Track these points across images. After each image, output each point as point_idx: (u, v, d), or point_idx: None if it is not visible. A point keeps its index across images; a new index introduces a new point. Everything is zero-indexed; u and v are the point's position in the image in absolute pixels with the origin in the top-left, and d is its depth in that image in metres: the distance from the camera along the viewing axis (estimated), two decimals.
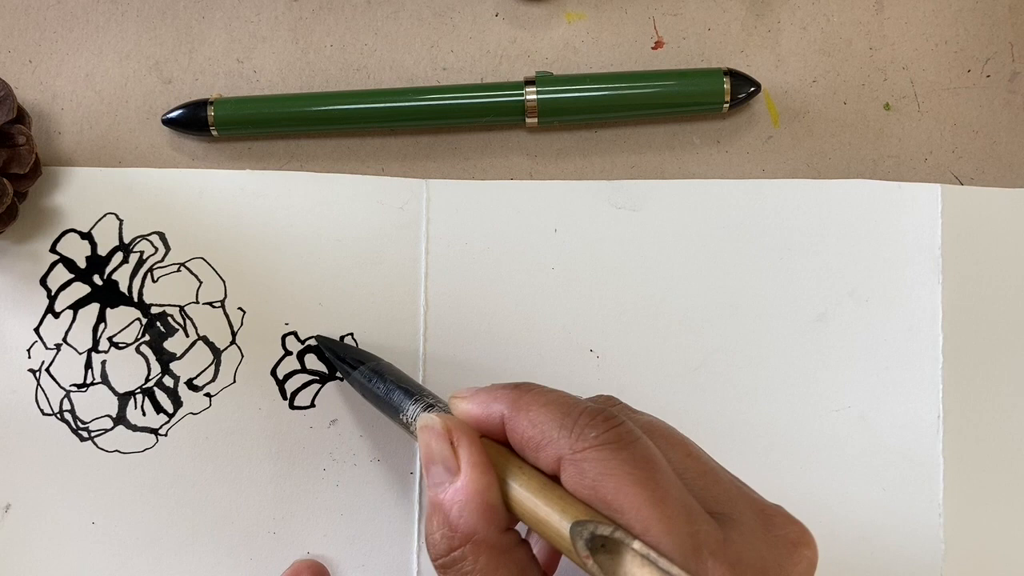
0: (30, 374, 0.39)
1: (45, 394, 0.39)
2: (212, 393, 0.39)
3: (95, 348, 0.39)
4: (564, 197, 0.40)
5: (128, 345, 0.39)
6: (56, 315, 0.39)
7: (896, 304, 0.40)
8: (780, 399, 0.40)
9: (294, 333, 0.39)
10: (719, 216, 0.40)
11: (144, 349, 0.39)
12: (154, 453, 0.39)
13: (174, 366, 0.39)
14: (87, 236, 0.40)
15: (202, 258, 0.40)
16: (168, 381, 0.39)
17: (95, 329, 0.39)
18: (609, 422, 0.25)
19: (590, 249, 0.40)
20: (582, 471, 0.24)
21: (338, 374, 0.39)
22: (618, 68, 0.41)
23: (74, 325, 0.39)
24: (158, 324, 0.39)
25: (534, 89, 0.39)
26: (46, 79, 0.41)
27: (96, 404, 0.39)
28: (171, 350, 0.39)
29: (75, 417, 0.39)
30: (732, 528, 0.24)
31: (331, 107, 0.40)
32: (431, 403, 0.31)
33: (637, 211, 0.40)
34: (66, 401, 0.39)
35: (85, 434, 0.39)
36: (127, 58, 0.41)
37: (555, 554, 0.31)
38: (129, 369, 0.39)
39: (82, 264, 0.39)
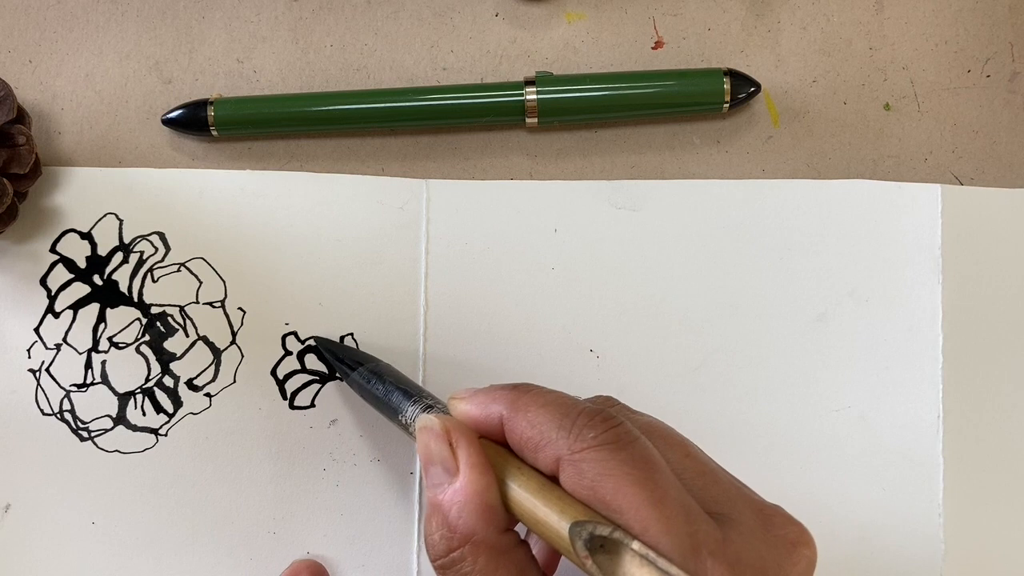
0: (30, 374, 0.39)
1: (45, 394, 0.39)
2: (212, 393, 0.39)
3: (95, 348, 0.39)
4: (564, 197, 0.40)
5: (128, 345, 0.39)
6: (56, 315, 0.39)
7: (896, 304, 0.40)
8: (780, 399, 0.40)
9: (294, 333, 0.39)
10: (719, 216, 0.40)
11: (144, 349, 0.39)
12: (154, 453, 0.39)
13: (174, 366, 0.39)
14: (87, 236, 0.40)
15: (202, 258, 0.40)
16: (168, 381, 0.39)
17: (95, 329, 0.39)
18: (608, 423, 0.25)
19: (590, 249, 0.40)
20: (581, 471, 0.24)
21: (338, 374, 0.39)
22: (618, 68, 0.41)
23: (74, 325, 0.39)
24: (158, 324, 0.39)
25: (534, 89, 0.39)
26: (46, 79, 0.41)
27: (96, 404, 0.39)
28: (171, 350, 0.39)
29: (75, 417, 0.39)
30: (731, 528, 0.24)
31: (331, 107, 0.40)
32: (430, 404, 0.31)
33: (637, 211, 0.40)
34: (66, 401, 0.39)
35: (85, 434, 0.39)
36: (127, 58, 0.41)
37: (554, 555, 0.31)
38: (129, 369, 0.39)
39: (82, 264, 0.39)
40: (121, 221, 0.40)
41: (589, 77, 0.40)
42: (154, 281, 0.39)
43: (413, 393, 0.32)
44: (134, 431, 0.39)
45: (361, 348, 0.39)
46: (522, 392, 0.27)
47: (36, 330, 0.39)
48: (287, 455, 0.39)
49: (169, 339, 0.39)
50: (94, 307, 0.39)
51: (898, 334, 0.40)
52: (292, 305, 0.40)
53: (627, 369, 0.40)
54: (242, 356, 0.39)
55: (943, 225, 0.40)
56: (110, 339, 0.39)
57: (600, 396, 0.29)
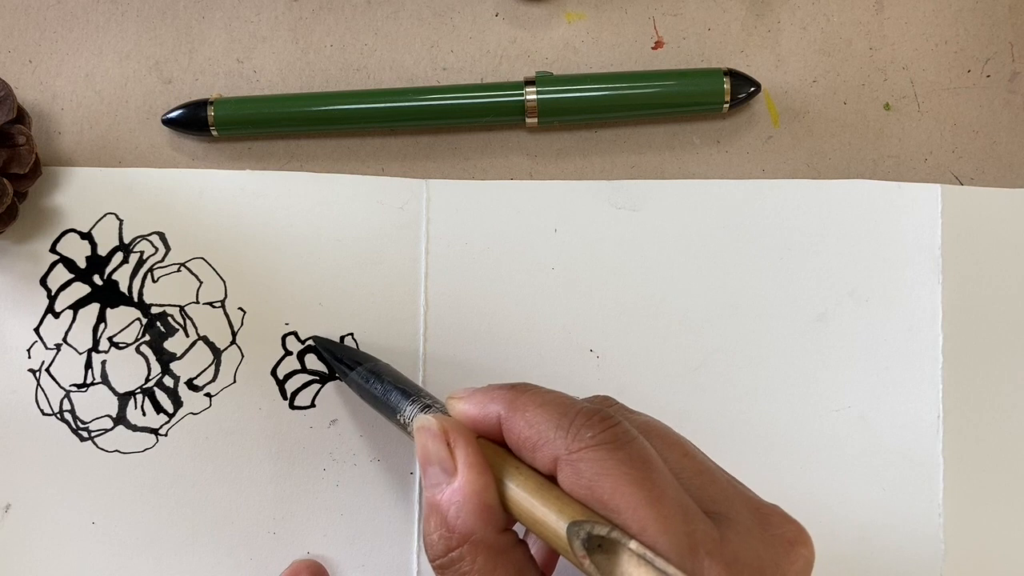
0: (30, 374, 0.39)
1: (45, 394, 0.39)
2: (212, 393, 0.39)
3: (95, 348, 0.39)
4: (564, 197, 0.40)
5: (128, 345, 0.39)
6: (56, 315, 0.39)
7: (896, 304, 0.40)
8: (780, 399, 0.40)
9: (294, 333, 0.39)
10: (719, 216, 0.40)
11: (144, 349, 0.39)
12: (154, 453, 0.39)
13: (174, 366, 0.39)
14: (87, 236, 0.40)
15: (202, 258, 0.40)
16: (168, 381, 0.39)
17: (95, 329, 0.39)
18: (605, 422, 0.25)
19: (590, 249, 0.40)
20: (578, 471, 0.24)
21: (337, 374, 0.39)
22: (618, 68, 0.41)
23: (74, 325, 0.39)
24: (158, 324, 0.39)
25: (534, 89, 0.39)
26: (46, 79, 0.41)
27: (96, 404, 0.39)
28: (171, 350, 0.39)
29: (75, 417, 0.39)
30: (728, 527, 0.24)
31: (331, 107, 0.40)
32: (428, 404, 0.31)
33: (637, 211, 0.40)
34: (66, 401, 0.39)
35: (85, 434, 0.39)
36: (127, 58, 0.41)
37: (553, 554, 0.31)
38: (129, 369, 0.39)
39: (82, 264, 0.39)
40: (121, 221, 0.40)
41: (589, 77, 0.40)
42: (154, 281, 0.40)
43: (411, 393, 0.33)
44: (134, 431, 0.39)
45: (361, 348, 0.39)
46: (520, 392, 0.27)
47: (36, 330, 0.39)
48: (287, 455, 0.39)
49: (169, 339, 0.39)
50: (94, 307, 0.39)
51: (898, 334, 0.40)
52: (292, 305, 0.40)
53: (627, 369, 0.40)
54: (242, 356, 0.39)
55: (943, 225, 0.40)
56: (110, 339, 0.39)
57: (598, 396, 0.29)
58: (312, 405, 0.39)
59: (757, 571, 0.24)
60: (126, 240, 0.40)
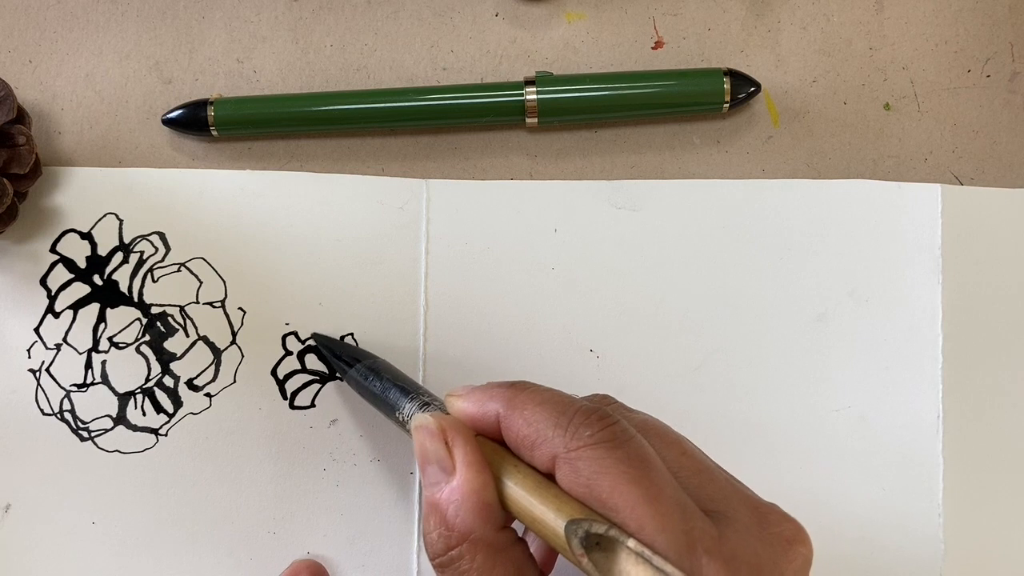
0: (30, 374, 0.39)
1: (45, 394, 0.39)
2: (212, 393, 0.39)
3: (95, 348, 0.39)
4: (564, 197, 0.40)
5: (128, 345, 0.39)
6: (56, 315, 0.39)
7: (896, 304, 0.40)
8: (780, 399, 0.40)
9: (294, 333, 0.39)
10: (719, 216, 0.40)
11: (144, 349, 0.39)
12: (154, 453, 0.39)
13: (174, 366, 0.39)
14: (87, 236, 0.40)
15: (202, 258, 0.40)
16: (168, 381, 0.39)
17: (95, 329, 0.39)
18: (604, 421, 0.25)
19: (590, 249, 0.40)
20: (577, 470, 0.25)
21: (338, 374, 0.39)
22: (618, 68, 0.41)
23: (74, 325, 0.39)
24: (158, 324, 0.39)
25: (534, 89, 0.39)
26: (46, 79, 0.41)
27: (96, 404, 0.39)
28: (171, 350, 0.39)
29: (75, 417, 0.39)
30: (727, 526, 0.24)
31: (331, 107, 0.40)
32: (427, 401, 0.31)
33: (637, 211, 0.40)
34: (66, 401, 0.39)
35: (85, 434, 0.39)
36: (127, 58, 0.41)
37: (552, 553, 0.31)
38: (129, 369, 0.39)
39: (82, 264, 0.39)
40: (121, 221, 0.40)
41: (589, 77, 0.40)
42: (154, 281, 0.40)
43: (410, 390, 0.33)
44: (134, 431, 0.39)
45: (361, 347, 0.39)
46: (519, 390, 0.27)
47: (36, 330, 0.39)
48: (287, 455, 0.39)
49: (169, 339, 0.39)
50: (94, 307, 0.39)
51: (898, 334, 0.40)
52: (292, 305, 0.40)
53: (627, 369, 0.40)
54: (242, 356, 0.39)
55: (943, 225, 0.40)
56: (110, 339, 0.39)
57: (597, 395, 0.29)
58: (312, 405, 0.39)
59: (755, 569, 0.24)
60: (126, 240, 0.40)
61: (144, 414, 0.39)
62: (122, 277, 0.39)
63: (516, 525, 0.27)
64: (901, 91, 0.41)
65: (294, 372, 0.39)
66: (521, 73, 0.41)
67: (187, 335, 0.39)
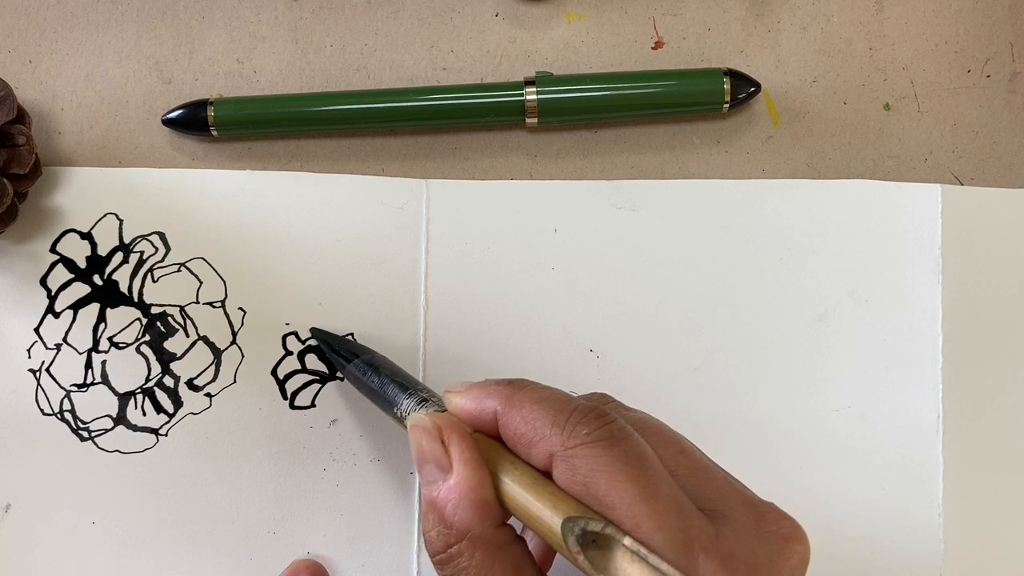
0: (30, 374, 0.39)
1: (45, 394, 0.39)
2: (212, 393, 0.39)
3: (95, 348, 0.39)
4: (564, 197, 0.40)
5: (128, 345, 0.39)
6: (56, 315, 0.39)
7: (896, 304, 0.40)
8: (780, 399, 0.40)
9: (294, 333, 0.40)
10: (719, 216, 0.40)
11: (144, 349, 0.39)
12: (154, 453, 0.39)
13: (174, 366, 0.39)
14: (87, 236, 0.40)
15: (202, 258, 0.40)
16: (168, 381, 0.39)
17: (95, 329, 0.39)
18: (601, 419, 0.25)
19: (590, 249, 0.40)
20: (574, 467, 0.25)
21: (339, 374, 0.39)
22: (618, 68, 0.41)
23: (74, 325, 0.39)
24: (158, 324, 0.39)
25: (534, 89, 0.39)
26: (46, 79, 0.41)
27: (96, 404, 0.39)
28: (171, 350, 0.39)
29: (75, 417, 0.39)
30: (724, 524, 0.24)
31: (331, 107, 0.40)
32: (425, 397, 0.31)
33: (637, 211, 0.40)
34: (66, 401, 0.39)
35: (85, 434, 0.39)
36: (127, 58, 0.41)
37: (550, 551, 0.31)
38: (129, 369, 0.39)
39: (82, 264, 0.39)
40: (121, 221, 0.40)
41: (589, 77, 0.40)
42: (154, 281, 0.40)
43: (408, 386, 0.33)
44: (134, 431, 0.39)
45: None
46: (517, 388, 0.27)
47: (36, 330, 0.39)
48: (287, 455, 0.39)
49: (169, 339, 0.39)
50: (94, 307, 0.39)
51: (898, 334, 0.40)
52: (292, 305, 0.40)
53: (627, 369, 0.40)
54: (242, 356, 0.39)
55: (943, 225, 0.40)
56: (110, 339, 0.39)
57: (595, 393, 0.29)
58: (312, 405, 0.39)
59: (752, 567, 0.24)
60: (126, 240, 0.40)
61: (144, 414, 0.39)
62: (122, 277, 0.39)
63: (515, 523, 0.27)
64: (901, 91, 0.41)
65: (294, 372, 0.39)
66: (521, 73, 0.41)
67: (187, 335, 0.39)
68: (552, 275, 0.40)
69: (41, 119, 0.40)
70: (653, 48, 0.41)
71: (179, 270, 0.40)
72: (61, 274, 0.39)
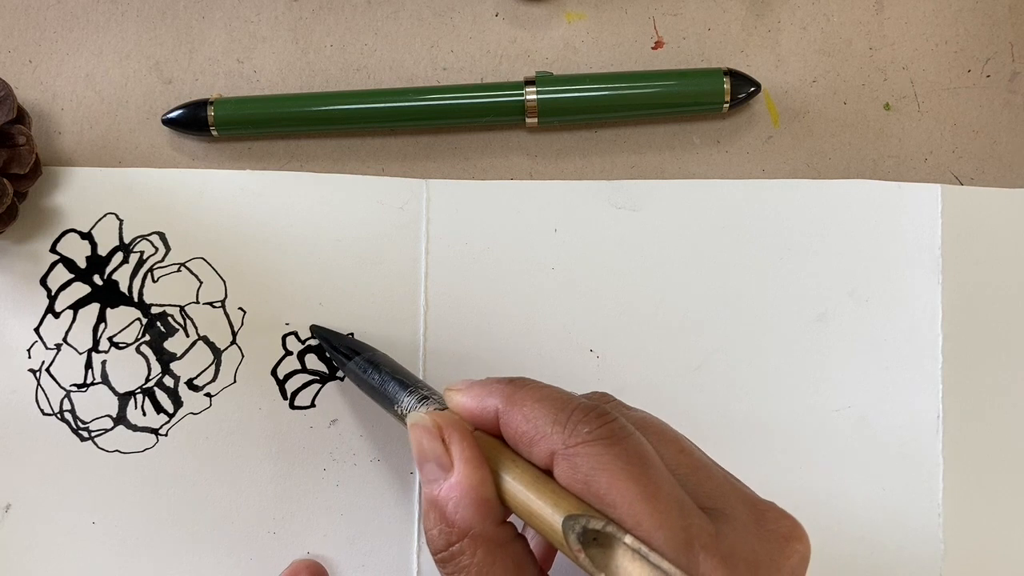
0: (30, 374, 0.39)
1: (45, 394, 0.39)
2: (212, 393, 0.39)
3: (95, 348, 0.39)
4: (564, 197, 0.40)
5: (128, 345, 0.39)
6: (56, 315, 0.39)
7: (896, 304, 0.40)
8: (780, 399, 0.40)
9: (294, 333, 0.40)
10: (719, 216, 0.40)
11: (144, 349, 0.39)
12: (154, 453, 0.39)
13: (174, 366, 0.39)
14: (87, 236, 0.40)
15: (202, 258, 0.40)
16: (168, 381, 0.39)
17: (95, 329, 0.39)
18: (602, 418, 0.25)
19: (590, 249, 0.40)
20: (575, 466, 0.25)
21: (339, 374, 0.39)
22: (618, 68, 0.41)
23: (74, 325, 0.39)
24: (158, 324, 0.39)
25: (534, 89, 0.39)
26: (46, 79, 0.41)
27: (96, 404, 0.39)
28: (171, 350, 0.39)
29: (75, 417, 0.39)
30: (724, 523, 0.24)
31: (331, 107, 0.40)
32: (426, 395, 0.31)
33: (637, 211, 0.40)
34: (66, 401, 0.39)
35: (85, 434, 0.39)
36: (127, 58, 0.41)
37: (551, 550, 0.31)
38: (129, 369, 0.39)
39: (82, 264, 0.39)
40: (121, 221, 0.40)
41: (589, 77, 0.40)
42: (154, 281, 0.40)
43: (409, 384, 0.32)
44: (134, 431, 0.39)
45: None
46: (518, 386, 0.27)
47: (36, 330, 0.39)
48: (287, 455, 0.39)
49: (169, 339, 0.39)
50: (94, 307, 0.39)
51: (898, 334, 0.40)
52: (292, 305, 0.40)
53: (627, 369, 0.40)
54: (242, 356, 0.39)
55: (943, 225, 0.40)
56: (110, 339, 0.39)
57: (596, 392, 0.29)
58: (312, 405, 0.39)
59: (752, 565, 0.24)
60: (126, 240, 0.40)
61: (144, 414, 0.39)
62: (122, 277, 0.39)
63: (516, 521, 0.27)
64: (901, 91, 0.41)
65: (294, 372, 0.39)
66: (521, 73, 0.41)
67: (187, 335, 0.39)
68: (552, 275, 0.40)
69: (41, 119, 0.40)
70: (653, 48, 0.41)
71: (179, 270, 0.40)
72: (61, 274, 0.39)
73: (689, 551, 0.23)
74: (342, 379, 0.39)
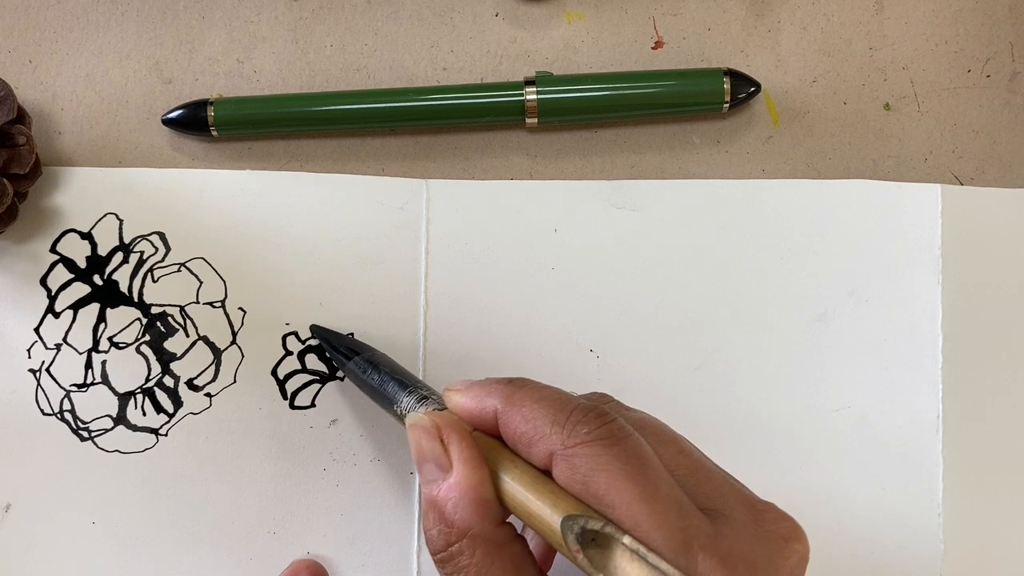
0: (30, 374, 0.39)
1: (45, 394, 0.39)
2: (212, 393, 0.39)
3: (95, 348, 0.39)
4: (564, 197, 0.40)
5: (128, 345, 0.39)
6: (56, 315, 0.39)
7: (896, 304, 0.40)
8: (780, 399, 0.40)
9: (295, 333, 0.40)
10: (719, 216, 0.40)
11: (144, 349, 0.39)
12: (154, 453, 0.39)
13: (174, 366, 0.39)
14: (87, 236, 0.40)
15: (202, 258, 0.40)
16: (168, 381, 0.39)
17: (95, 329, 0.39)
18: (601, 419, 0.25)
19: (590, 249, 0.40)
20: (574, 466, 0.25)
21: (339, 374, 0.39)
22: (618, 68, 0.41)
23: (74, 325, 0.39)
24: (158, 324, 0.39)
25: (534, 89, 0.39)
26: (46, 79, 0.41)
27: (96, 404, 0.39)
28: (171, 350, 0.39)
29: (75, 417, 0.39)
30: (723, 523, 0.24)
31: (331, 107, 0.40)
32: (425, 395, 0.31)
33: (637, 211, 0.40)
34: (66, 401, 0.39)
35: (85, 434, 0.39)
36: (127, 58, 0.41)
37: (550, 551, 0.31)
38: (129, 369, 0.39)
39: (82, 264, 0.39)
40: (121, 221, 0.40)
41: (589, 77, 0.40)
42: (154, 281, 0.40)
43: (409, 384, 0.32)
44: (134, 431, 0.39)
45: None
46: (517, 387, 0.27)
47: (36, 330, 0.39)
48: (287, 455, 0.39)
49: (169, 339, 0.39)
50: (94, 307, 0.39)
51: (898, 334, 0.40)
52: (292, 305, 0.40)
53: (627, 369, 0.40)
54: (242, 356, 0.39)
55: (943, 225, 0.40)
56: (110, 339, 0.39)
57: (595, 393, 0.29)
58: (312, 405, 0.39)
59: (751, 566, 0.24)
60: (126, 240, 0.40)
61: (144, 414, 0.39)
62: (122, 277, 0.39)
63: (515, 522, 0.27)
64: (901, 91, 0.41)
65: (294, 372, 0.39)
66: (521, 73, 0.41)
67: (187, 335, 0.39)
68: (552, 275, 0.40)
69: (41, 119, 0.40)
70: (653, 48, 0.41)
71: (179, 270, 0.40)
72: (61, 274, 0.39)
73: (688, 552, 0.23)
74: (342, 379, 0.39)
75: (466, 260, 0.40)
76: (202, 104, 0.39)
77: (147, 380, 0.39)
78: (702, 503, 0.25)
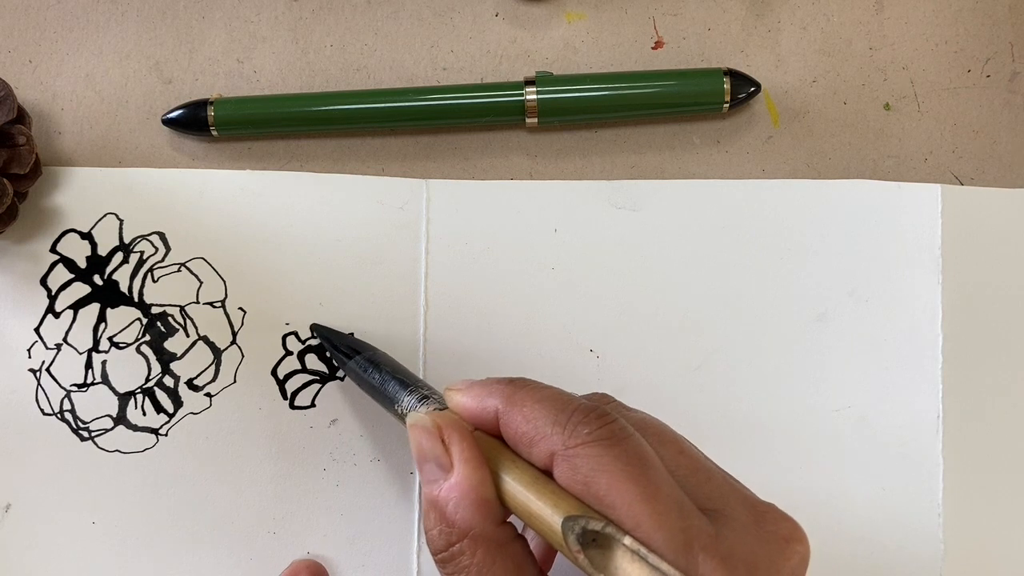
0: (30, 374, 0.39)
1: (45, 394, 0.39)
2: (212, 393, 0.39)
3: (95, 348, 0.39)
4: (564, 197, 0.40)
5: (128, 345, 0.39)
6: (56, 315, 0.39)
7: (896, 304, 0.40)
8: (780, 399, 0.40)
9: (295, 333, 0.40)
10: (719, 216, 0.40)
11: (144, 349, 0.39)
12: (154, 453, 0.39)
13: (174, 366, 0.39)
14: (87, 236, 0.40)
15: (202, 258, 0.40)
16: (168, 381, 0.39)
17: (95, 329, 0.39)
18: (602, 419, 0.25)
19: (590, 249, 0.40)
20: (575, 467, 0.25)
21: (339, 373, 0.39)
22: (618, 68, 0.41)
23: (74, 325, 0.39)
24: (158, 324, 0.39)
25: (534, 89, 0.39)
26: (46, 79, 0.41)
27: (96, 404, 0.39)
28: (171, 350, 0.39)
29: (75, 417, 0.39)
30: (724, 524, 0.24)
31: (331, 107, 0.40)
32: (426, 394, 0.31)
33: (637, 211, 0.40)
34: (66, 401, 0.39)
35: (85, 434, 0.39)
36: (127, 58, 0.41)
37: (551, 551, 0.31)
38: (129, 369, 0.39)
39: (82, 264, 0.39)
40: (121, 221, 0.40)
41: (589, 77, 0.40)
42: (154, 281, 0.40)
43: (409, 383, 0.32)
44: (134, 431, 0.39)
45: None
46: (518, 387, 0.27)
47: (36, 330, 0.39)
48: (287, 455, 0.39)
49: (169, 339, 0.39)
50: (94, 307, 0.39)
51: (898, 334, 0.40)
52: (292, 305, 0.40)
53: (627, 369, 0.40)
54: (242, 356, 0.39)
55: (943, 225, 0.40)
56: (110, 339, 0.39)
57: (596, 393, 0.29)
58: (312, 405, 0.39)
59: (752, 567, 0.24)
60: (126, 240, 0.40)
61: (144, 414, 0.39)
62: (122, 277, 0.39)
63: (516, 522, 0.27)
64: (901, 91, 0.41)
65: (294, 372, 0.39)
66: (521, 73, 0.41)
67: (187, 335, 0.39)
68: (552, 275, 0.40)
69: (41, 119, 0.40)
70: (653, 48, 0.41)
71: (179, 270, 0.40)
72: (61, 274, 0.39)
73: (688, 552, 0.23)
74: (342, 379, 0.39)
75: (466, 260, 0.40)
76: (202, 104, 0.39)
77: (147, 380, 0.39)
78: (703, 504, 0.25)
